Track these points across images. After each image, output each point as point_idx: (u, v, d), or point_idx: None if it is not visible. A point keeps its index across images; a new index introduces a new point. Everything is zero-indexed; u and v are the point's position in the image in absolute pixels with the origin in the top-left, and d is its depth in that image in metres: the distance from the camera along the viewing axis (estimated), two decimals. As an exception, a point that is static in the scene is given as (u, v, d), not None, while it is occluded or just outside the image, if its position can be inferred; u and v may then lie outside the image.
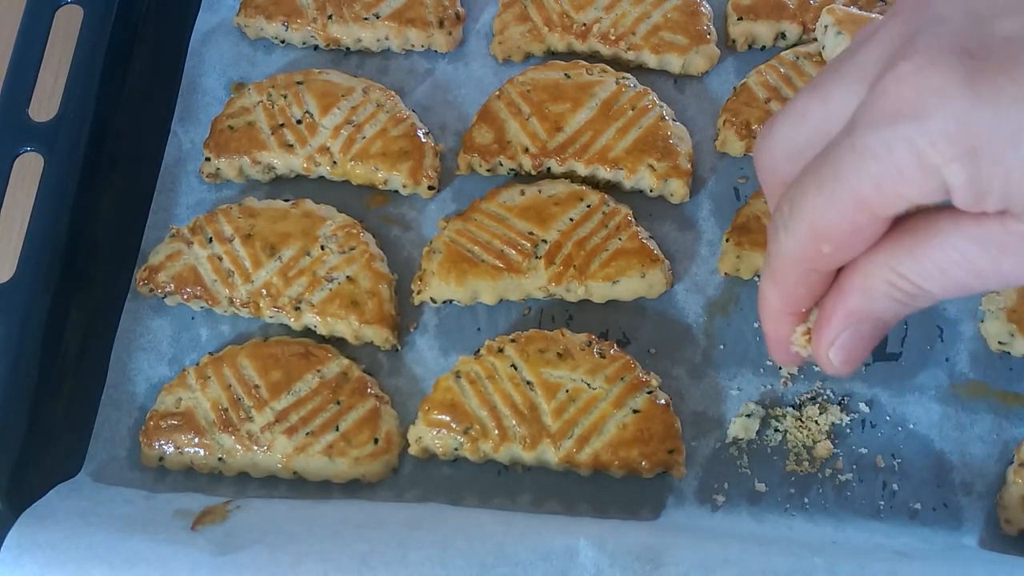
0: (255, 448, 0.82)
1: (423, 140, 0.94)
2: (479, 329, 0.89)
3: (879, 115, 0.46)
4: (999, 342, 0.85)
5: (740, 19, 0.98)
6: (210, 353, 0.87)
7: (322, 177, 0.95)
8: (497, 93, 0.95)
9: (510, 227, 0.89)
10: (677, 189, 0.91)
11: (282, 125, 0.94)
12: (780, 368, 0.86)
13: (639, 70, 0.98)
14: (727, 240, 0.89)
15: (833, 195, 0.48)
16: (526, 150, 0.92)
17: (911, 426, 0.84)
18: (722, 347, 0.87)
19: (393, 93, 0.97)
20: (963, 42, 0.44)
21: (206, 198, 0.96)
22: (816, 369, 0.86)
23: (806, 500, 0.81)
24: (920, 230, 0.48)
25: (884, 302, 0.51)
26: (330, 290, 0.87)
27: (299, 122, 0.94)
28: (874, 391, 0.85)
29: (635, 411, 0.81)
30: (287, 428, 0.82)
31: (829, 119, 0.51)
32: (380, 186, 0.94)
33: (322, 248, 0.89)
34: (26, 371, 0.82)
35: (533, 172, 0.93)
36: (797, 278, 0.53)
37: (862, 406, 0.84)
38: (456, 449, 0.82)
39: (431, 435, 0.82)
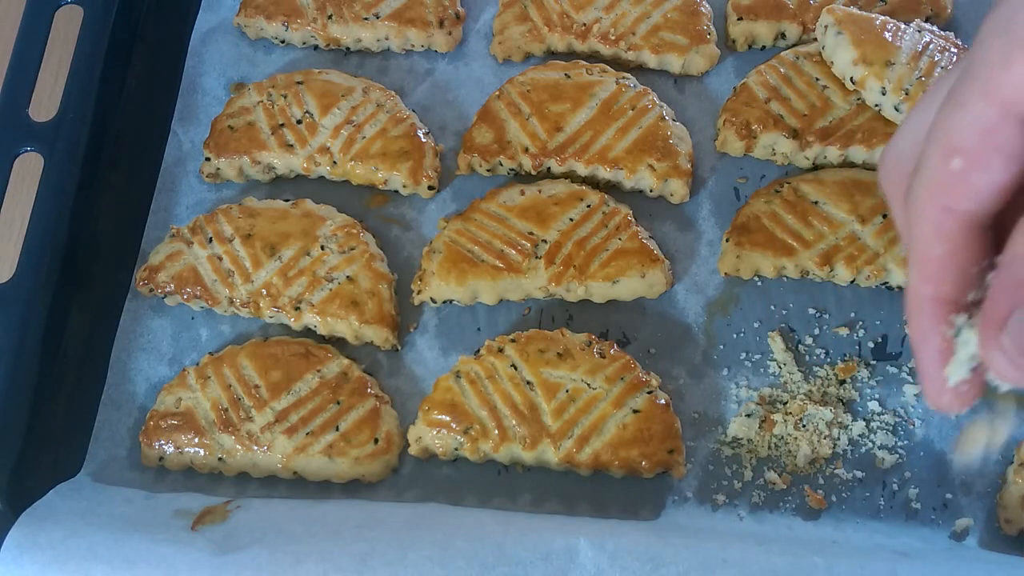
0: (255, 448, 0.82)
1: (423, 140, 0.94)
2: (479, 329, 0.89)
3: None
4: (999, 342, 0.85)
5: (740, 19, 0.98)
6: (210, 353, 0.87)
7: (322, 177, 0.95)
8: (497, 93, 0.95)
9: (510, 227, 0.89)
10: (677, 189, 0.91)
11: (282, 125, 0.94)
12: (781, 368, 0.86)
13: (639, 70, 0.99)
14: (727, 240, 0.89)
15: (963, 97, 0.43)
16: (526, 150, 0.92)
17: (911, 426, 0.84)
18: (722, 347, 0.87)
19: (393, 93, 0.97)
20: None
21: (206, 198, 0.96)
22: (816, 370, 0.86)
23: (806, 500, 0.81)
24: None
25: None
26: (330, 290, 0.87)
27: (299, 122, 0.94)
28: (874, 391, 0.85)
29: (635, 411, 0.81)
30: (287, 428, 0.82)
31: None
32: (380, 186, 0.94)
33: (322, 248, 0.89)
34: (26, 371, 0.82)
35: (533, 172, 0.93)
36: (936, 228, 0.45)
37: (862, 406, 0.85)
38: (456, 449, 0.82)
39: (431, 435, 0.82)
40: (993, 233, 0.47)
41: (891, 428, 0.84)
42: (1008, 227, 0.46)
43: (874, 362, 0.86)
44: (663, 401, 0.82)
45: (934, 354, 0.47)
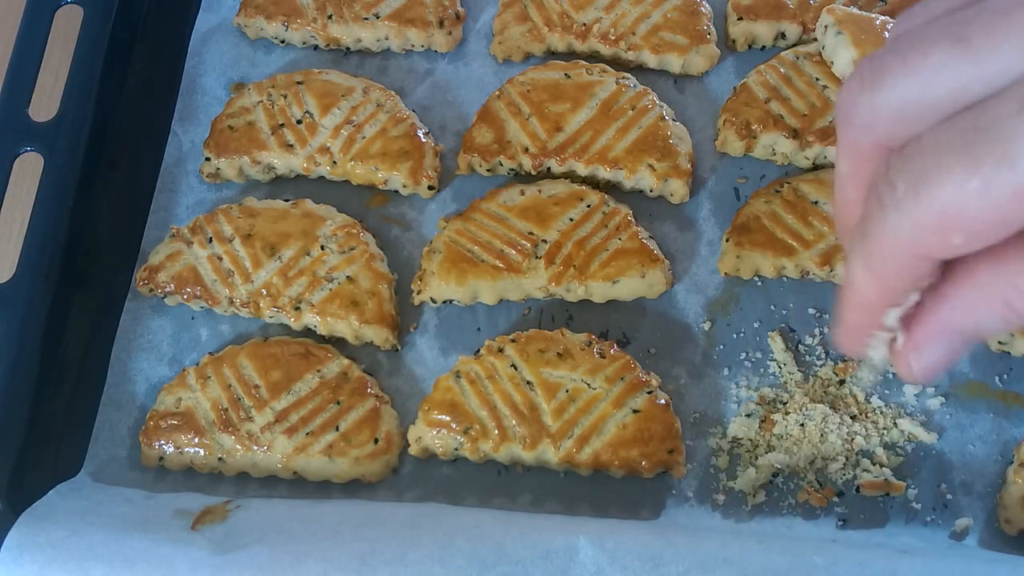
0: (255, 448, 0.82)
1: (423, 140, 0.94)
2: (479, 329, 0.89)
3: None
4: (999, 342, 0.85)
5: (740, 19, 0.98)
6: (210, 353, 0.87)
7: (322, 177, 0.95)
8: (497, 93, 0.96)
9: (510, 227, 0.89)
10: (677, 189, 0.91)
11: (282, 125, 0.94)
12: (781, 368, 0.86)
13: (639, 70, 0.99)
14: (727, 240, 0.89)
15: (992, 177, 0.38)
16: (526, 150, 0.92)
17: (911, 426, 0.84)
18: (722, 347, 0.87)
19: (393, 93, 0.97)
20: None
21: (206, 198, 0.96)
22: (816, 370, 0.86)
23: (806, 499, 0.81)
24: None
25: (992, 320, 0.43)
26: (330, 290, 0.87)
27: (299, 122, 0.94)
28: (874, 391, 0.85)
29: (635, 411, 0.81)
30: (287, 428, 0.82)
31: (977, 81, 0.39)
32: (380, 186, 0.94)
33: (322, 248, 0.89)
34: (26, 371, 0.82)
35: (533, 172, 0.93)
36: (902, 267, 0.44)
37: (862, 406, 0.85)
38: (456, 449, 0.82)
39: (431, 435, 0.82)
40: None
41: (891, 428, 0.83)
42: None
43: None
44: (663, 401, 0.82)
45: (858, 334, 0.50)
